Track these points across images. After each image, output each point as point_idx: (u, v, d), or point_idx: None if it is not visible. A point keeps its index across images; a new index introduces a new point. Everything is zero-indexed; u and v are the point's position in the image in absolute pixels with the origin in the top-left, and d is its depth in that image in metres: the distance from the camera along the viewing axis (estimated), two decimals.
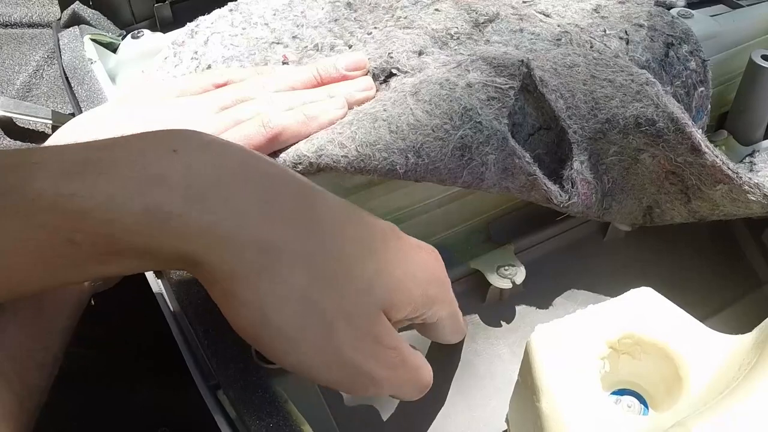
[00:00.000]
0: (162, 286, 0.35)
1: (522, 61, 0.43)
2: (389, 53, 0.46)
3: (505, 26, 0.47)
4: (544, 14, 0.50)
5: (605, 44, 0.46)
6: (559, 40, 0.46)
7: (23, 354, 0.30)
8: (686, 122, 0.41)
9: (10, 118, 0.49)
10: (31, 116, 0.48)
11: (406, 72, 0.45)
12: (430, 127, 0.40)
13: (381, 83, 0.45)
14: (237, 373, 0.30)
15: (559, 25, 0.47)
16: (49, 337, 0.31)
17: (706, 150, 0.41)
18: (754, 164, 0.49)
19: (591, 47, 0.46)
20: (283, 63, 0.47)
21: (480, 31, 0.47)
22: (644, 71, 0.44)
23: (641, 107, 0.43)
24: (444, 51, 0.46)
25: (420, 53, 0.46)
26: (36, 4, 0.51)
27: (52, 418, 0.33)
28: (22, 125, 0.49)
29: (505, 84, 0.42)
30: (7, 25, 0.47)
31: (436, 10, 0.48)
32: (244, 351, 0.31)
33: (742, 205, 0.42)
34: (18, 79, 0.44)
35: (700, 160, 0.42)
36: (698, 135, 0.41)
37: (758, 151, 0.52)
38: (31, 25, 0.48)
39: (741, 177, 0.41)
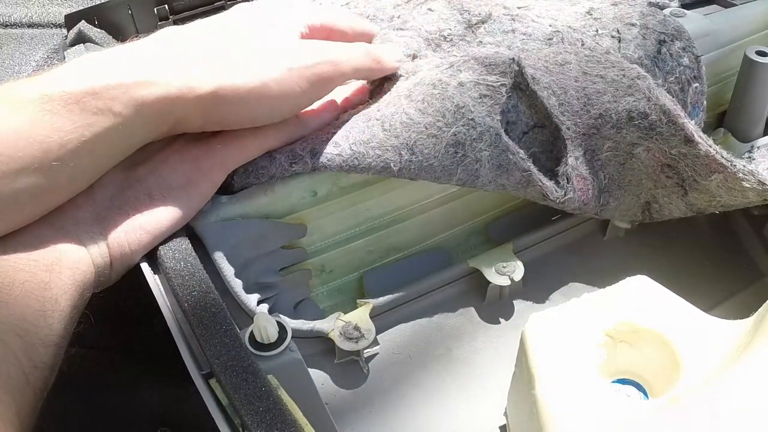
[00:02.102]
0: (158, 282, 0.35)
1: (513, 59, 0.43)
2: None
3: (498, 27, 0.48)
4: (537, 17, 0.50)
5: (597, 42, 0.47)
6: (551, 39, 0.47)
7: (29, 331, 0.31)
8: (678, 113, 0.42)
9: None
10: None
11: (400, 75, 0.46)
12: (422, 124, 0.41)
13: (376, 87, 0.46)
14: (229, 361, 0.30)
15: (551, 26, 0.48)
16: (52, 316, 0.32)
17: (699, 140, 0.41)
18: (753, 159, 0.49)
19: (582, 45, 0.46)
20: None
21: (473, 32, 0.48)
22: (635, 66, 0.44)
23: (633, 101, 0.43)
24: (437, 53, 0.47)
25: (414, 57, 0.47)
26: (36, 4, 0.52)
27: (52, 419, 0.34)
28: None
29: (497, 82, 0.43)
30: (7, 25, 0.48)
31: (429, 9, 0.49)
32: (236, 340, 0.31)
33: (738, 194, 0.42)
34: (18, 79, 0.45)
35: (694, 151, 0.42)
36: (691, 125, 0.42)
37: (757, 147, 0.51)
38: (31, 25, 0.49)
39: (735, 165, 0.41)
